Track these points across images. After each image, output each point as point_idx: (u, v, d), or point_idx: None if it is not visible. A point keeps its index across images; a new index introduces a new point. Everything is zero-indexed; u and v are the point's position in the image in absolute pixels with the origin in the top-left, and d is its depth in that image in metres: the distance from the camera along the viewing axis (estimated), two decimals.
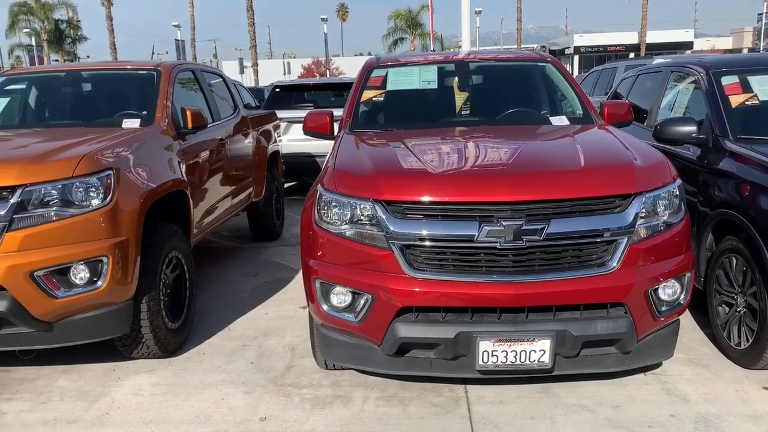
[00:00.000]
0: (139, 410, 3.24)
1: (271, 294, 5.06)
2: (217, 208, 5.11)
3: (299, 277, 5.50)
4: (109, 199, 3.34)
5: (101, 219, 3.30)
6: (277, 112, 7.82)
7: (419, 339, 2.83)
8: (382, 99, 4.30)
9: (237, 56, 62.02)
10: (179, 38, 40.07)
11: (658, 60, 8.29)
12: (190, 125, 4.44)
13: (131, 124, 4.20)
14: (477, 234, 2.72)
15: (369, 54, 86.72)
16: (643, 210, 2.85)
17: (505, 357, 2.77)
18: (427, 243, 2.79)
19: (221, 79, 6.08)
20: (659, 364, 3.50)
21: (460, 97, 4.33)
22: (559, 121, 3.97)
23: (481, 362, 2.78)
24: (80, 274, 3.25)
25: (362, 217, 2.90)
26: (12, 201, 3.10)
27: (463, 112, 4.32)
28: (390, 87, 4.31)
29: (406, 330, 2.81)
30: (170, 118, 4.40)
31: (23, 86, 4.76)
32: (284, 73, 46.86)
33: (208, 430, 3.03)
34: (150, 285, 3.62)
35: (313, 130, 4.25)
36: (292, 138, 8.87)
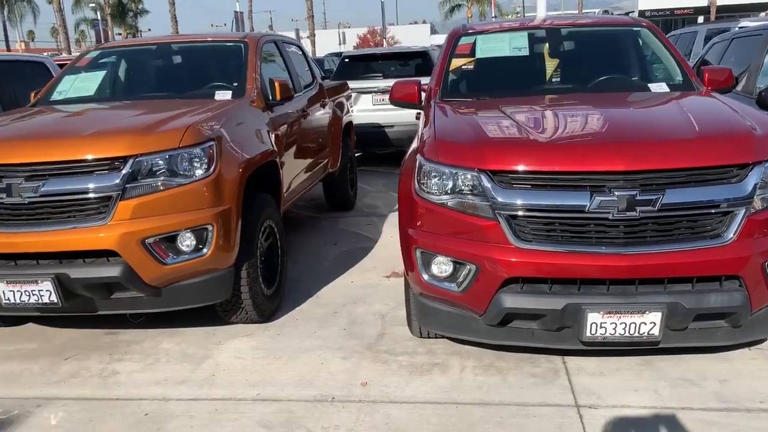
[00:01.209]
0: (244, 372, 3.37)
1: (353, 263, 5.13)
2: (301, 178, 5.19)
3: (378, 247, 5.60)
4: (212, 169, 3.44)
5: (205, 188, 3.40)
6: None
7: (525, 310, 2.82)
8: (471, 67, 4.24)
9: (293, 27, 62.18)
10: (238, 10, 40.46)
11: (747, 23, 7.86)
12: (278, 97, 4.49)
13: (223, 96, 4.29)
14: (588, 204, 2.67)
15: (423, 22, 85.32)
16: (762, 180, 2.73)
17: (614, 329, 2.74)
18: (535, 213, 2.76)
19: (300, 50, 6.11)
20: (763, 339, 3.39)
21: (551, 64, 4.23)
22: (659, 87, 3.83)
23: (588, 334, 2.76)
24: (187, 241, 3.37)
25: (465, 187, 2.89)
26: (124, 171, 3.23)
27: (553, 80, 4.22)
28: (479, 55, 4.25)
29: (512, 301, 2.81)
30: (259, 89, 4.46)
31: (117, 59, 4.91)
32: (339, 44, 46.77)
33: (313, 393, 3.13)
34: (249, 252, 3.72)
35: (400, 99, 4.23)
36: (360, 108, 8.88)
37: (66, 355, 3.70)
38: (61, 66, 6.48)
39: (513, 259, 2.76)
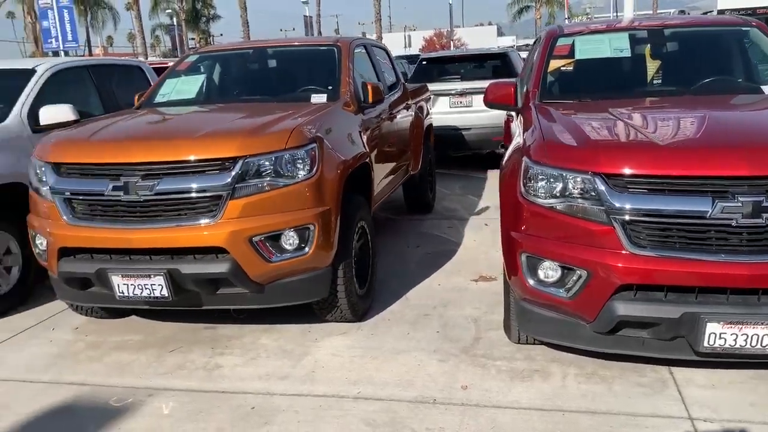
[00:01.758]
0: (343, 370, 3.42)
1: (438, 266, 5.13)
2: (387, 180, 5.23)
3: (462, 250, 5.57)
4: (315, 170, 3.51)
5: (308, 189, 3.47)
6: None
7: (639, 318, 2.74)
8: (570, 68, 4.17)
9: (359, 30, 62.85)
10: (307, 14, 41.28)
11: None
12: (370, 99, 4.55)
13: (319, 99, 4.37)
14: (710, 210, 2.58)
15: (489, 24, 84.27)
16: None
17: (734, 340, 2.62)
18: (653, 219, 2.68)
19: (385, 53, 6.16)
20: None
21: (652, 66, 4.11)
22: None
23: (706, 344, 2.65)
24: (290, 240, 3.45)
25: (576, 190, 2.84)
26: (234, 171, 3.33)
27: (655, 81, 4.10)
28: (579, 56, 4.17)
29: (625, 308, 2.73)
30: (352, 92, 4.53)
31: (215, 63, 5.09)
32: (405, 46, 46.90)
33: (414, 394, 3.14)
34: (345, 252, 3.78)
35: (495, 101, 4.20)
36: (437, 111, 8.86)
37: (170, 347, 3.85)
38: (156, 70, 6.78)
39: (628, 266, 2.69)
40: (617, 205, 2.71)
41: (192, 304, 3.59)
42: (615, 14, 41.26)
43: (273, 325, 4.06)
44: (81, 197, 3.50)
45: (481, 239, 5.84)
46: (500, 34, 68.73)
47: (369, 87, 4.52)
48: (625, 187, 2.73)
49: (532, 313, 3.10)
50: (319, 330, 3.96)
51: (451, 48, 39.57)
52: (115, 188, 3.37)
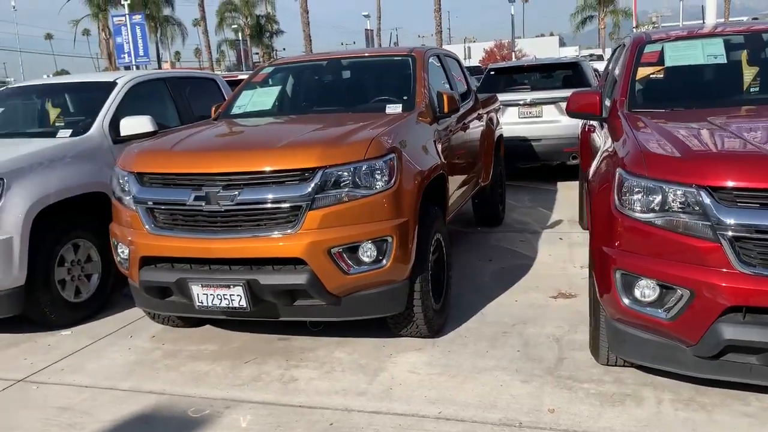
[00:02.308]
0: (421, 388, 3.31)
1: (513, 281, 4.96)
2: (459, 192, 5.11)
3: (537, 265, 5.38)
4: (393, 181, 3.43)
5: (387, 200, 3.40)
6: None
7: (748, 342, 2.53)
8: (660, 76, 3.96)
9: (419, 43, 63.01)
10: (368, 28, 41.63)
11: None
12: (446, 110, 4.45)
13: (394, 109, 4.30)
14: None
15: (551, 35, 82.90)
16: None
17: None
18: (764, 235, 2.47)
19: (457, 63, 6.06)
20: None
21: (749, 72, 3.85)
22: None
23: None
24: (368, 252, 3.38)
25: (677, 204, 2.65)
26: (313, 182, 3.30)
27: (752, 89, 3.84)
28: (669, 63, 3.96)
29: (733, 332, 2.53)
30: (428, 102, 4.44)
31: (289, 75, 5.11)
32: (465, 58, 46.67)
33: (498, 416, 3.00)
34: (422, 266, 3.68)
35: (579, 111, 4.03)
36: (506, 121, 8.67)
37: (245, 358, 3.83)
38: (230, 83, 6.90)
39: (737, 286, 2.49)
40: (725, 220, 2.51)
41: (269, 315, 3.56)
42: (681, 23, 39.91)
43: (346, 338, 3.99)
44: (163, 207, 3.53)
45: (556, 254, 5.63)
46: (562, 44, 67.58)
47: (444, 97, 4.42)
48: (734, 201, 2.53)
49: (626, 334, 2.92)
50: (393, 345, 3.87)
51: (513, 59, 39.13)
52: (196, 198, 3.39)
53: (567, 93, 8.60)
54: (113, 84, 5.39)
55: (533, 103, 8.70)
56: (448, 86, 5.24)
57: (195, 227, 3.47)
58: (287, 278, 3.34)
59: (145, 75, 5.82)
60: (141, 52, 31.11)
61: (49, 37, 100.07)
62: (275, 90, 4.87)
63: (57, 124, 5.55)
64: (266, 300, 3.45)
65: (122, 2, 31.25)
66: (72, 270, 4.61)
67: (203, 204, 3.38)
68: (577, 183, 9.04)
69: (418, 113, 4.27)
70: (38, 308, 4.35)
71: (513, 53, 45.24)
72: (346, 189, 3.36)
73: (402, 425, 2.98)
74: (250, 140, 3.85)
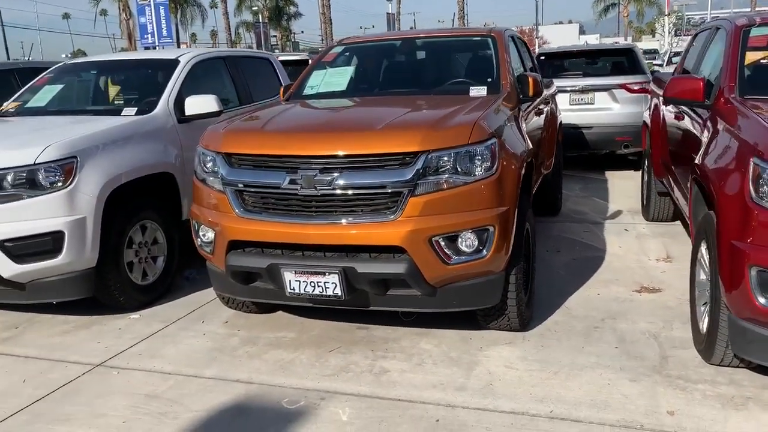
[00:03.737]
0: (523, 385, 3.16)
1: (589, 273, 4.80)
2: (534, 180, 4.93)
3: (610, 257, 5.20)
4: (495, 168, 3.27)
5: (489, 188, 3.24)
6: None
7: None
8: None
9: (439, 27, 62.32)
10: (390, 11, 41.17)
11: None
12: (530, 93, 4.27)
13: (478, 92, 4.12)
14: None
15: (569, 22, 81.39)
16: None
17: None
18: None
19: (525, 45, 5.86)
20: None
21: None
22: None
23: None
24: (468, 242, 3.22)
25: None
26: (416, 167, 3.14)
27: None
28: None
29: None
30: (513, 85, 4.26)
31: (362, 54, 4.94)
32: None
33: (615, 417, 2.85)
34: (518, 256, 3.52)
35: (678, 96, 3.83)
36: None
37: (328, 347, 3.70)
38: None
39: None
40: None
41: (360, 304, 3.43)
42: (709, 13, 39.03)
43: (428, 329, 3.85)
44: (254, 189, 3.39)
45: (627, 246, 5.45)
46: (582, 32, 66.63)
47: (529, 80, 4.24)
48: None
49: (756, 334, 2.75)
50: (480, 338, 3.73)
51: (536, 46, 38.56)
52: (291, 181, 3.24)
53: (621, 80, 8.49)
54: (176, 62, 5.24)
55: (585, 90, 8.47)
56: (522, 69, 5.04)
57: (288, 211, 3.32)
58: (386, 267, 3.19)
59: (206, 53, 5.66)
60: (164, 33, 30.96)
61: (66, 16, 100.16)
62: (348, 70, 4.69)
63: (117, 102, 5.44)
64: (359, 289, 3.31)
65: None
66: (139, 252, 4.49)
67: (298, 187, 3.23)
68: (628, 173, 8.88)
69: (504, 96, 4.09)
70: (108, 291, 4.25)
71: (536, 40, 44.64)
72: (447, 175, 3.20)
73: (514, 424, 2.84)
74: (346, 122, 3.67)
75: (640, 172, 6.81)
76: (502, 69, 4.30)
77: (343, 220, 3.22)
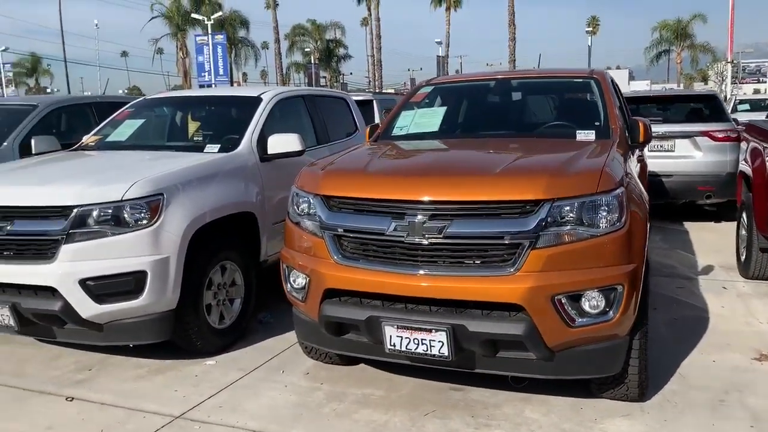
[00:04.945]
0: None
1: (695, 336, 4.38)
2: None
3: (715, 318, 4.74)
4: (623, 220, 2.96)
5: (617, 242, 2.92)
6: None
7: None
8: None
9: (488, 71, 62.66)
10: (440, 54, 41.65)
11: None
12: (641, 139, 3.97)
13: (586, 136, 3.84)
14: None
15: (617, 68, 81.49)
16: None
17: None
18: None
19: (618, 88, 5.57)
20: None
21: None
22: None
23: None
24: (594, 302, 2.90)
25: None
26: (539, 216, 2.85)
27: None
28: None
29: None
30: (622, 130, 3.96)
31: (452, 95, 4.74)
32: None
33: None
34: (642, 318, 3.18)
35: None
36: None
37: (422, 409, 3.39)
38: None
39: None
40: None
41: (465, 366, 3.11)
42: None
43: (531, 395, 3.50)
44: (354, 235, 3.15)
45: (729, 306, 5.01)
46: (632, 78, 66.01)
47: (640, 125, 3.95)
48: None
49: None
50: (592, 407, 3.36)
51: None
52: (397, 228, 2.99)
53: (703, 127, 8.09)
54: (258, 99, 5.13)
55: (666, 136, 8.09)
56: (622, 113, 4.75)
57: (391, 260, 3.07)
58: (501, 327, 2.88)
59: (287, 91, 5.55)
60: (221, 71, 31.94)
61: (124, 54, 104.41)
62: (439, 111, 4.47)
63: (196, 138, 5.34)
64: (467, 349, 3.01)
65: (206, 22, 32.13)
66: (218, 294, 4.30)
67: (405, 235, 2.98)
68: (708, 224, 8.39)
69: (617, 142, 3.79)
70: (186, 334, 4.04)
71: None
72: (570, 227, 2.90)
73: None
74: (457, 165, 3.42)
75: (722, 223, 6.38)
76: (610, 112, 4.01)
77: (454, 273, 2.94)
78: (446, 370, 3.48)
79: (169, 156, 4.57)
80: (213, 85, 29.92)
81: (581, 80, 4.43)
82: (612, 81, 5.00)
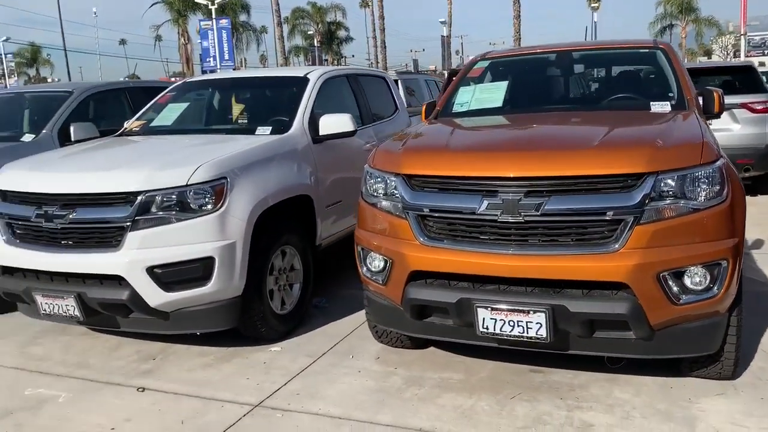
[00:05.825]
0: None
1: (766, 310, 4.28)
2: None
3: None
4: (726, 192, 2.85)
5: (721, 216, 2.82)
6: None
7: None
8: None
9: (489, 50, 62.12)
10: (444, 34, 41.21)
11: None
12: (716, 110, 3.83)
13: (661, 107, 3.71)
14: None
15: None
16: None
17: None
18: None
19: None
20: None
21: None
22: None
23: None
24: (698, 278, 2.80)
25: None
26: (643, 191, 2.74)
27: None
28: None
29: None
30: (696, 100, 3.82)
31: (510, 69, 4.59)
32: None
33: None
34: (738, 294, 3.06)
35: None
36: None
37: (506, 392, 3.30)
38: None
39: None
40: None
41: (560, 347, 3.02)
42: None
43: (615, 375, 3.41)
44: (441, 215, 3.03)
45: None
46: None
47: (715, 95, 3.80)
48: None
49: None
50: (681, 386, 3.26)
51: None
52: (490, 206, 2.87)
53: (741, 99, 7.92)
54: (306, 79, 4.99)
55: None
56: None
57: (482, 240, 2.96)
58: (604, 306, 2.78)
59: (332, 70, 5.41)
60: (226, 56, 31.59)
61: (123, 42, 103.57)
62: (502, 85, 4.31)
63: (240, 121, 5.21)
64: (562, 330, 2.91)
65: (210, 7, 31.72)
66: (279, 279, 4.20)
67: (498, 213, 2.86)
68: (753, 198, 8.25)
69: (692, 113, 3.65)
70: (251, 320, 3.95)
71: None
72: (673, 200, 2.78)
73: None
74: (549, 139, 3.28)
75: (758, 197, 6.24)
76: (683, 83, 3.87)
77: (549, 251, 2.83)
78: (523, 351, 3.39)
79: (223, 139, 4.45)
80: (217, 70, 29.60)
81: (647, 51, 4.28)
82: None
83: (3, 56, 44.23)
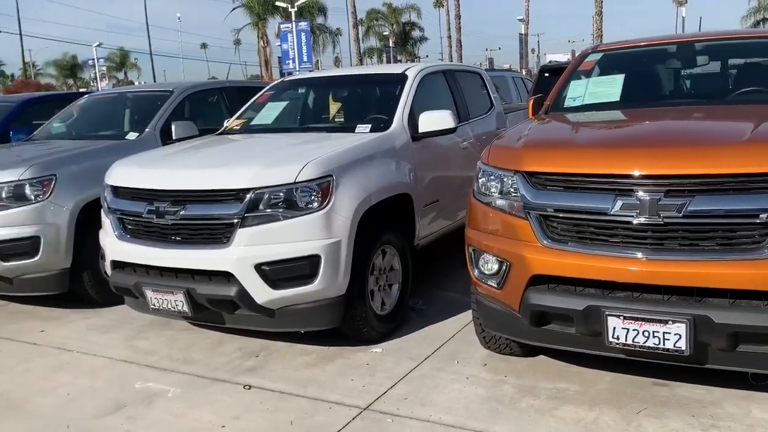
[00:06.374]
0: None
1: None
2: None
3: None
4: None
5: None
6: None
7: None
8: None
9: (567, 49, 60.51)
10: (522, 32, 40.40)
11: None
12: None
13: None
14: None
15: None
16: None
17: None
18: None
19: None
20: None
21: None
22: None
23: None
24: None
25: None
26: None
27: None
28: None
29: None
30: None
31: (624, 61, 4.33)
32: None
33: None
34: None
35: None
36: None
37: (632, 407, 3.07)
38: None
39: None
40: None
41: (697, 361, 2.76)
42: None
43: (750, 392, 3.11)
44: (566, 215, 2.84)
45: None
46: None
47: None
48: None
49: None
50: None
51: None
52: (624, 206, 2.66)
53: None
54: (404, 76, 4.88)
55: None
56: None
57: (612, 243, 2.75)
58: (754, 318, 2.51)
59: (430, 66, 5.28)
60: (305, 58, 32.12)
61: (204, 46, 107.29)
62: (618, 79, 4.05)
63: (338, 120, 5.17)
64: (702, 342, 2.66)
65: (290, 9, 32.32)
66: (379, 279, 4.11)
67: (634, 214, 2.65)
68: None
69: None
70: (353, 320, 3.87)
71: None
72: None
73: None
74: (690, 134, 3.03)
75: None
76: None
77: (690, 257, 2.59)
78: (642, 362, 3.13)
79: (325, 137, 4.40)
80: (296, 72, 30.12)
81: None
82: None
83: (96, 61, 46.67)
